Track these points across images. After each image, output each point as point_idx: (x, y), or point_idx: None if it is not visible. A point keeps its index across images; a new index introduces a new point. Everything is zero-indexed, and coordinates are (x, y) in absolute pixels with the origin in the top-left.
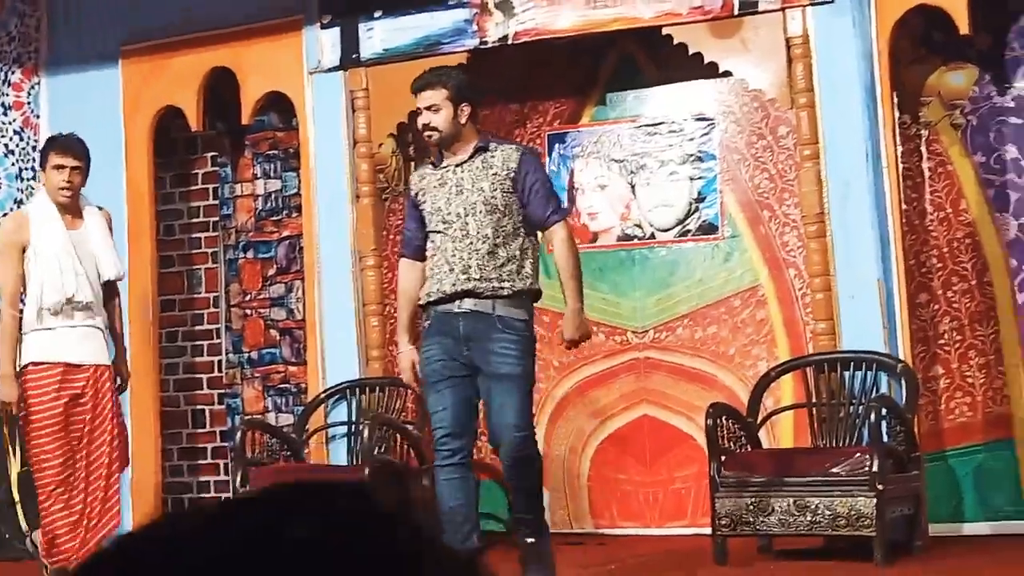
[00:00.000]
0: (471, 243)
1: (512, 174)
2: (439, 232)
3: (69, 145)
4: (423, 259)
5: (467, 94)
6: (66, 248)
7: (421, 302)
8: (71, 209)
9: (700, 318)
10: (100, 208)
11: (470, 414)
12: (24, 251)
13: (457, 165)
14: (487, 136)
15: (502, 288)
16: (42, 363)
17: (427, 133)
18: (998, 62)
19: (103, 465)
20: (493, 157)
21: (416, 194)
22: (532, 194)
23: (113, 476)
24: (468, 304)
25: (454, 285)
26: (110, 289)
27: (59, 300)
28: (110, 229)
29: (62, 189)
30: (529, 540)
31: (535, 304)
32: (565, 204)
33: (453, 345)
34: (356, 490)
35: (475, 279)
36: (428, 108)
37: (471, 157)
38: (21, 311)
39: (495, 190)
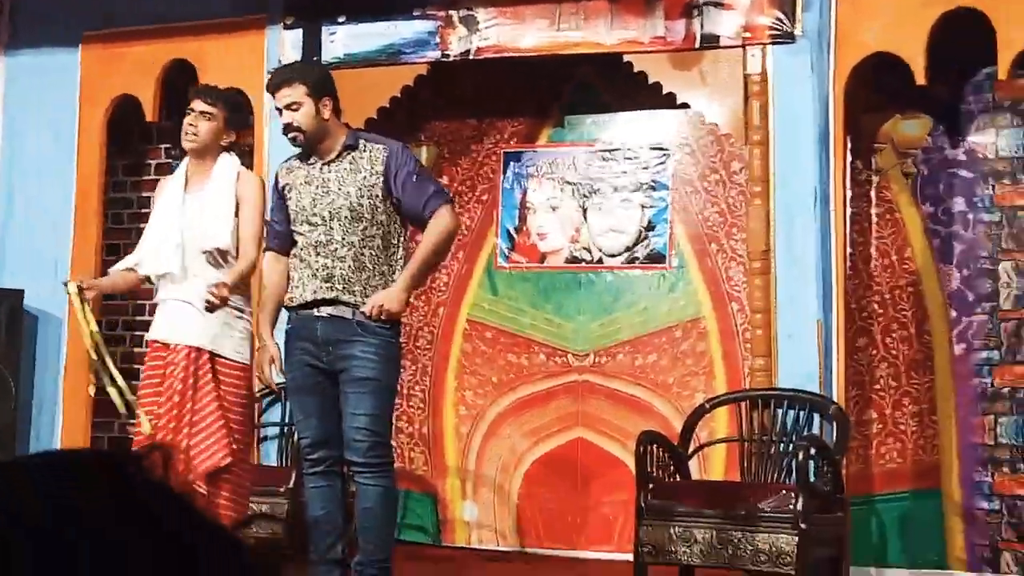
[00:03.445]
0: (335, 250)
1: (380, 177)
2: (302, 234)
3: (206, 90)
4: (288, 253)
5: (327, 88)
6: (168, 213)
7: (286, 304)
8: (203, 167)
9: (641, 346)
10: (251, 174)
11: (335, 422)
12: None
13: (325, 163)
14: (356, 133)
15: (365, 302)
16: (151, 341)
17: (291, 134)
18: (952, 114)
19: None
20: (361, 157)
21: (283, 187)
22: (404, 188)
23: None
24: (327, 309)
25: (315, 293)
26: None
27: (151, 271)
28: (245, 197)
29: (185, 134)
30: None
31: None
32: (446, 190)
33: (314, 350)
34: (106, 459)
35: (338, 289)
36: (288, 107)
37: (339, 156)
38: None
39: (362, 196)
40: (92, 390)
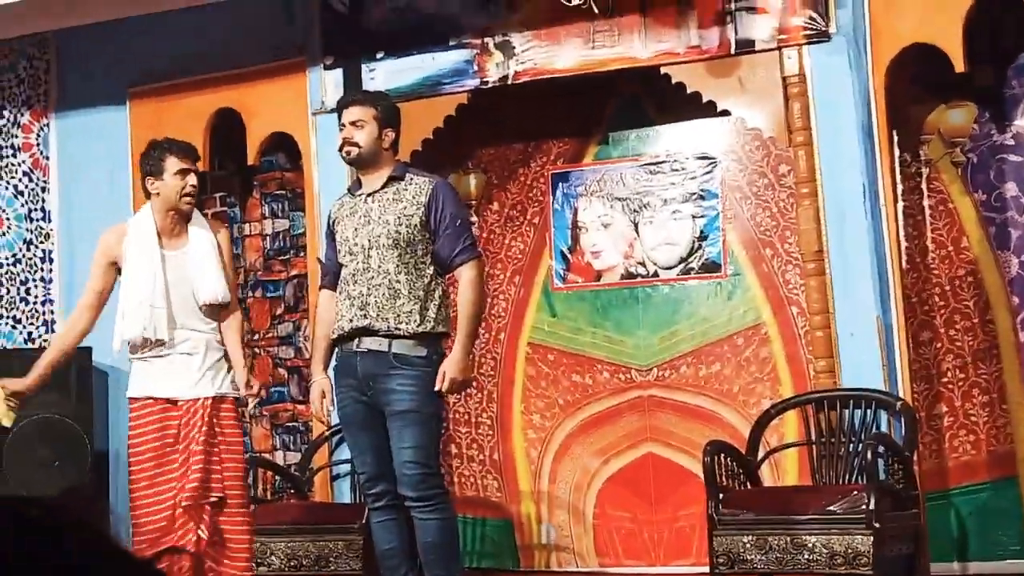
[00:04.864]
0: (371, 277)
1: (422, 208)
2: (345, 265)
3: (190, 148)
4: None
5: (394, 121)
6: (155, 273)
7: (331, 337)
8: (176, 226)
9: (704, 356)
10: (217, 223)
11: (389, 456)
12: (116, 267)
13: (370, 194)
14: (406, 167)
15: (399, 329)
16: (138, 398)
17: (347, 148)
18: (997, 100)
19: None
20: (406, 189)
21: (332, 222)
22: (441, 231)
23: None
24: (366, 343)
25: (351, 321)
26: (219, 309)
27: (137, 335)
28: (223, 248)
29: (187, 196)
30: None
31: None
32: (478, 245)
33: (357, 386)
34: (31, 502)
35: (372, 316)
36: (353, 123)
37: (383, 187)
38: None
39: (400, 224)
40: None
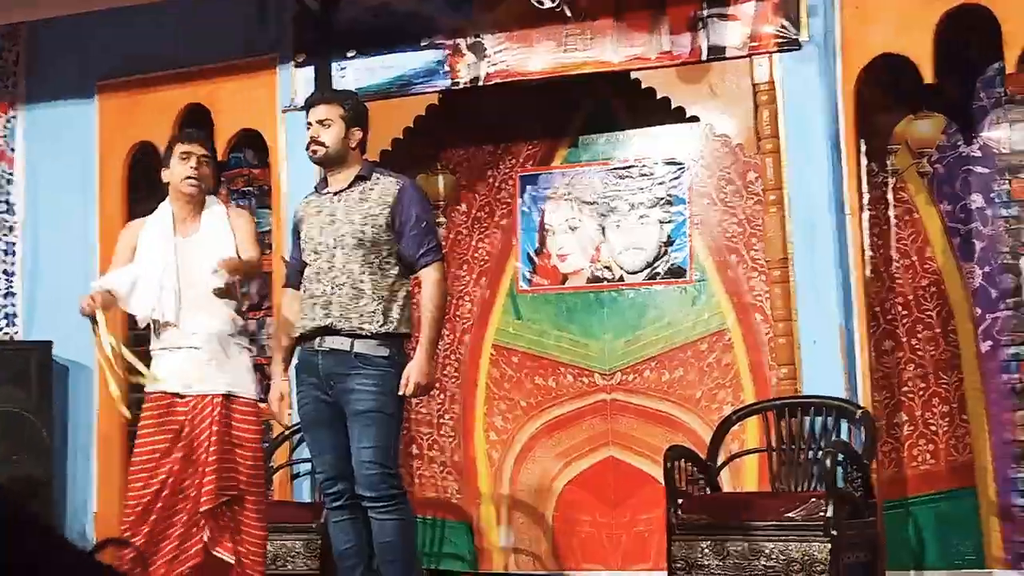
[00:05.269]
0: (335, 277)
1: (388, 208)
2: (309, 264)
3: (195, 135)
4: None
5: (362, 121)
6: (166, 256)
7: (294, 336)
8: (191, 212)
9: (667, 361)
10: (237, 206)
11: (349, 455)
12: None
13: (335, 194)
14: (373, 167)
15: (362, 329)
16: (150, 393)
17: (314, 147)
18: (965, 111)
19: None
20: (372, 189)
21: (298, 221)
22: (405, 228)
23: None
24: (328, 343)
25: (314, 320)
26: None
27: (145, 314)
28: (245, 231)
29: (188, 179)
30: None
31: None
32: (442, 245)
33: (319, 384)
34: None
35: (335, 316)
36: (320, 122)
37: (350, 186)
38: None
39: (365, 224)
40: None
